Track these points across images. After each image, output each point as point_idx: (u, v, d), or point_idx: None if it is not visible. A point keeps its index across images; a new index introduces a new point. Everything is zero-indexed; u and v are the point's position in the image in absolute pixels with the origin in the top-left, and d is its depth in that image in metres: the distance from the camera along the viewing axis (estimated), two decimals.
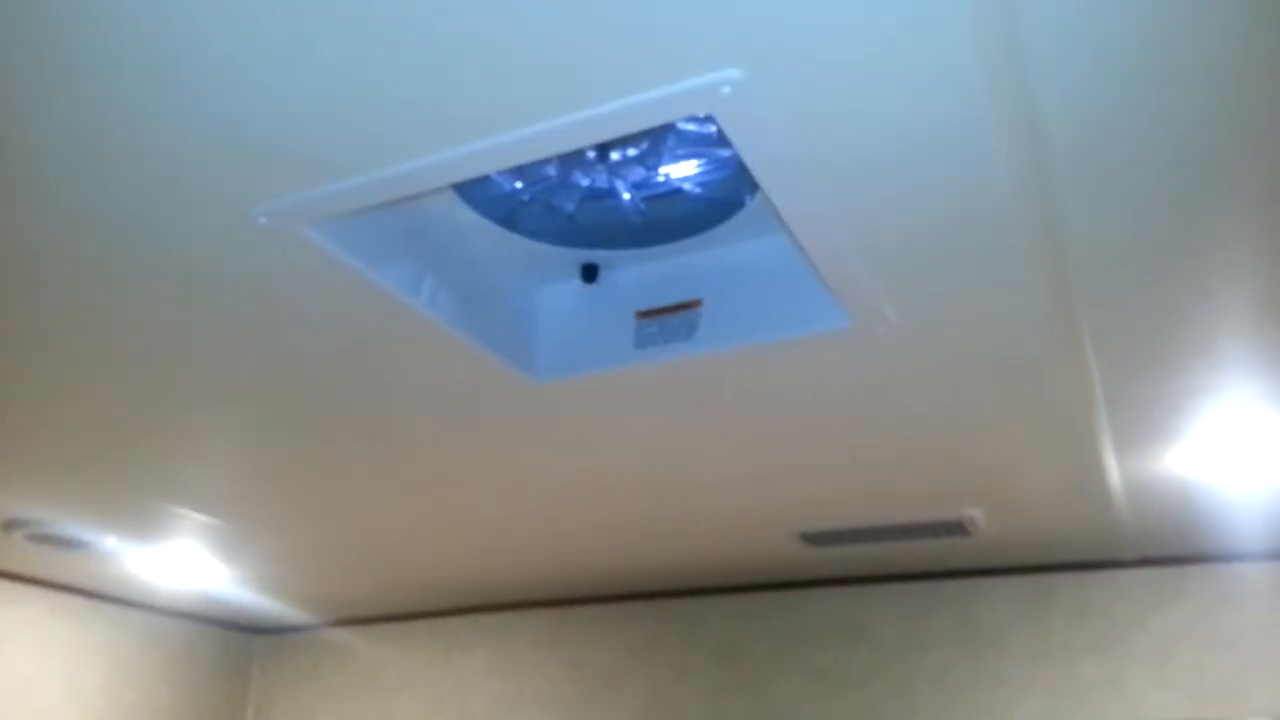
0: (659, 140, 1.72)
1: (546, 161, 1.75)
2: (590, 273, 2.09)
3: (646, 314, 2.05)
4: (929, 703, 3.58)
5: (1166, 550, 3.38)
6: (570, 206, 1.87)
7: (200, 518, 3.12)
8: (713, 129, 1.67)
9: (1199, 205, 1.58)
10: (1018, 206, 1.56)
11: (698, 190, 1.82)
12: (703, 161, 1.75)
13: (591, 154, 1.74)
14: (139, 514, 3.08)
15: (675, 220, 1.93)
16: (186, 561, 3.57)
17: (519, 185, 1.83)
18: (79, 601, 4.02)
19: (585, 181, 1.80)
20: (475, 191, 1.86)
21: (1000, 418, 2.36)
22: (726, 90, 1.28)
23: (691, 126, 1.68)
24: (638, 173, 1.77)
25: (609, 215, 1.92)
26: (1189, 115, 1.39)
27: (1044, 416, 2.35)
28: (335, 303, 1.89)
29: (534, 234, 1.97)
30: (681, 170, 1.77)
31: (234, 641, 4.69)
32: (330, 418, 2.42)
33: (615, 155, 1.74)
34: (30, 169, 1.51)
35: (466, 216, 1.92)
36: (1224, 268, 1.74)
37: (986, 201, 1.55)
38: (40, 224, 1.65)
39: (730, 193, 1.83)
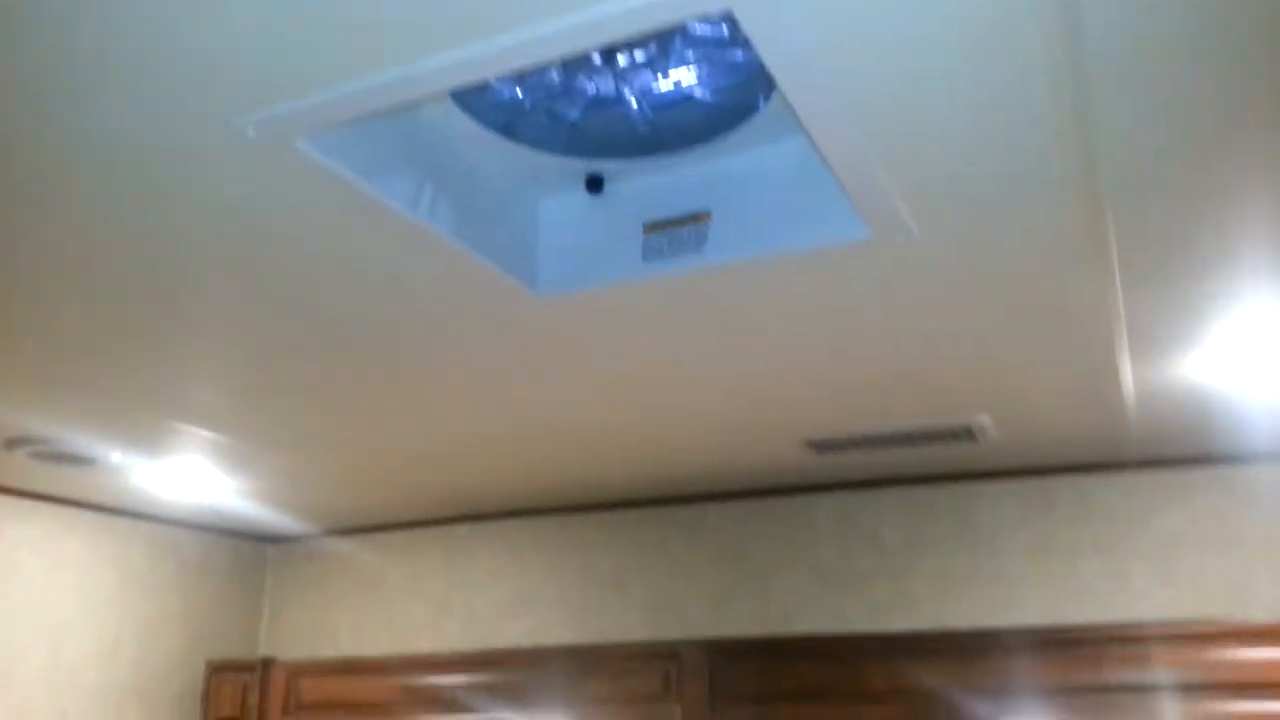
0: (667, 43, 1.63)
1: (549, 67, 1.65)
2: (595, 183, 2.02)
3: (654, 226, 1.99)
4: (931, 599, 3.63)
5: (1172, 452, 3.38)
6: (574, 114, 1.79)
7: (204, 433, 3.10)
8: (725, 30, 1.58)
9: (1232, 106, 1.50)
10: (1049, 109, 1.49)
11: (708, 96, 1.73)
12: (714, 65, 1.66)
13: (597, 59, 1.65)
14: (142, 430, 3.06)
15: (684, 128, 1.85)
16: (193, 475, 3.57)
17: (519, 92, 1.74)
18: (89, 516, 4.04)
19: (590, 88, 1.71)
20: (474, 99, 1.77)
21: (1017, 325, 2.32)
22: None
23: (704, 29, 1.58)
24: (645, 78, 1.68)
25: (615, 123, 1.84)
26: (1227, 10, 1.30)
27: (1062, 324, 2.30)
28: (330, 216, 1.82)
29: (536, 143, 1.89)
30: (691, 75, 1.68)
31: (245, 550, 4.74)
32: (330, 334, 2.37)
33: (622, 60, 1.64)
34: (14, 96, 1.43)
35: (465, 126, 1.84)
36: (1254, 172, 1.67)
37: (1016, 103, 1.47)
38: (31, 150, 1.57)
39: (743, 98, 1.74)
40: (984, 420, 3.03)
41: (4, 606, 3.70)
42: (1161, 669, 3.04)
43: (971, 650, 3.23)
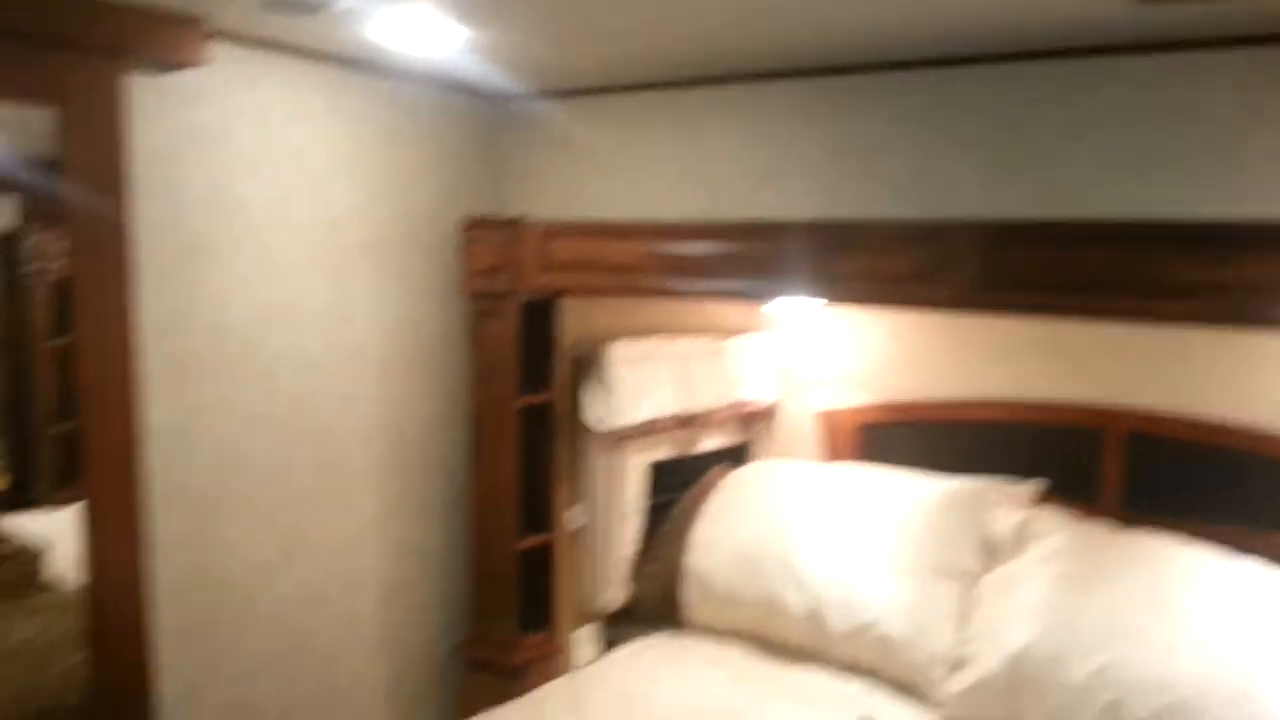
0: None
1: None
2: None
3: None
4: (1263, 183, 3.01)
5: None
6: None
7: None
8: None
9: None
10: None
11: None
12: None
13: None
14: None
15: None
16: (425, 23, 3.36)
17: None
18: (327, 70, 3.97)
19: None
20: None
21: None
22: None
23: None
24: None
25: None
26: None
27: None
28: None
29: None
30: None
31: (488, 111, 4.66)
32: None
33: None
34: None
35: None
36: None
37: None
38: None
39: None
40: None
41: (270, 157, 3.81)
42: None
43: None
